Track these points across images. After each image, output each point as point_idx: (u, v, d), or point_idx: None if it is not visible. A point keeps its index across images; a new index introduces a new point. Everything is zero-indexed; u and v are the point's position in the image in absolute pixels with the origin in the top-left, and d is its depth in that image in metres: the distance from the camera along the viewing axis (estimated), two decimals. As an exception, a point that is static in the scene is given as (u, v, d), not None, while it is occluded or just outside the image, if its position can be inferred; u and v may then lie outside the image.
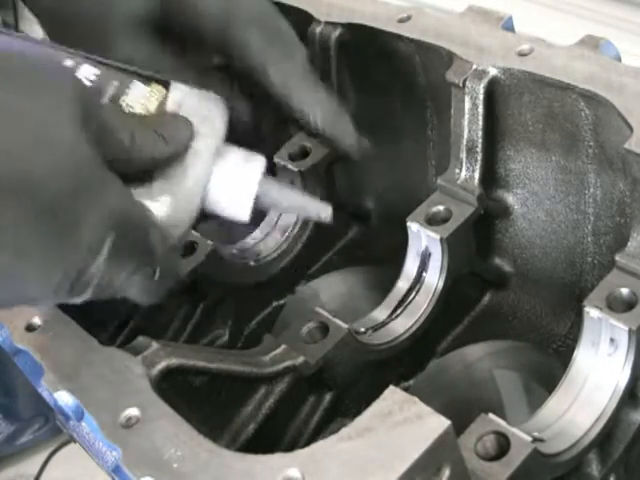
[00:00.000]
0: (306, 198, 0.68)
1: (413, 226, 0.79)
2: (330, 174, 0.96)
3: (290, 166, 0.89)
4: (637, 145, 0.66)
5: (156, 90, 0.64)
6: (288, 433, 0.73)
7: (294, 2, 0.92)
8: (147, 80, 0.64)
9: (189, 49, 0.76)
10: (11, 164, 0.49)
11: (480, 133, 0.79)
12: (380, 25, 0.85)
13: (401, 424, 0.49)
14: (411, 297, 0.80)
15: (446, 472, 0.50)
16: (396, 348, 0.78)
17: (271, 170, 0.82)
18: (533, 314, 0.88)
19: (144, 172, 0.60)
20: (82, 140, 0.53)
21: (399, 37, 0.83)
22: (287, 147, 0.91)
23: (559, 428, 0.65)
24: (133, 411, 0.57)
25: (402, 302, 0.80)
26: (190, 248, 0.85)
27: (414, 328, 0.78)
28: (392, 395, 0.51)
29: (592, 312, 0.65)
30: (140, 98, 0.63)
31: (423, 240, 0.78)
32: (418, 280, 0.80)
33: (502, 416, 0.60)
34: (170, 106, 0.63)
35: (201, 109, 0.63)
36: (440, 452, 0.49)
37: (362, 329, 0.77)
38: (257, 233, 0.96)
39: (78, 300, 0.56)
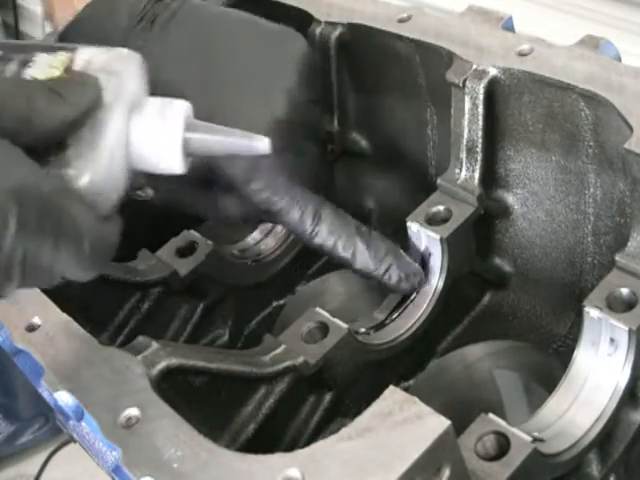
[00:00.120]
0: (238, 132, 0.62)
1: (413, 226, 0.79)
2: (330, 174, 0.96)
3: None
4: (637, 145, 0.66)
5: (62, 57, 0.60)
6: (288, 433, 0.73)
7: (294, 2, 0.92)
8: (53, 50, 0.60)
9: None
10: None
11: (480, 133, 0.79)
12: (380, 25, 0.85)
13: (401, 424, 0.49)
14: (411, 297, 0.80)
15: (446, 472, 0.50)
16: (396, 348, 0.78)
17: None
18: (533, 314, 0.88)
19: (57, 141, 0.56)
20: None
21: (399, 37, 0.83)
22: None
23: (559, 428, 0.65)
24: (133, 411, 0.57)
25: (402, 302, 0.80)
26: (190, 248, 0.85)
27: (414, 328, 0.78)
28: (392, 395, 0.51)
29: (592, 312, 0.65)
30: (44, 67, 0.59)
31: (423, 240, 0.78)
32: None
33: (502, 416, 0.60)
34: (77, 68, 0.59)
35: (110, 65, 0.59)
36: (440, 452, 0.49)
37: (362, 329, 0.77)
38: (257, 233, 0.96)
39: (13, 287, 0.54)
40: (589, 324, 0.66)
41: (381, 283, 0.76)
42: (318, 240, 0.74)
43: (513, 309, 0.89)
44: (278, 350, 0.70)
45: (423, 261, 0.79)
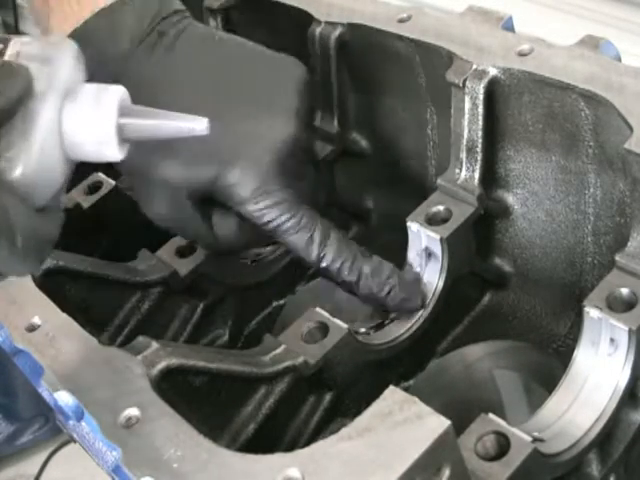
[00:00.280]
0: (176, 115, 0.61)
1: (413, 226, 0.79)
2: (330, 174, 0.96)
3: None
4: (637, 145, 0.66)
5: None
6: (288, 433, 0.73)
7: (294, 2, 0.92)
8: None
9: None
10: None
11: (480, 133, 0.79)
12: (380, 25, 0.85)
13: (401, 424, 0.49)
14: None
15: (446, 472, 0.50)
16: (396, 348, 0.78)
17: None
18: (533, 314, 0.88)
19: None
20: None
21: (399, 37, 0.83)
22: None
23: (559, 428, 0.65)
24: (133, 411, 0.57)
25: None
26: (190, 248, 0.85)
27: (414, 328, 0.78)
28: (392, 395, 0.52)
29: (592, 312, 0.65)
30: None
31: (423, 240, 0.78)
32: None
33: (502, 416, 0.60)
34: (8, 58, 0.57)
35: (43, 53, 0.58)
36: (440, 452, 0.49)
37: (362, 329, 0.77)
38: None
39: None
40: (589, 324, 0.66)
41: (383, 305, 0.77)
42: (324, 263, 0.75)
43: (513, 309, 0.89)
44: (278, 350, 0.70)
45: (423, 261, 0.80)
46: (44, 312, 0.67)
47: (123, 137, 0.58)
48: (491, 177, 0.83)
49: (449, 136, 0.82)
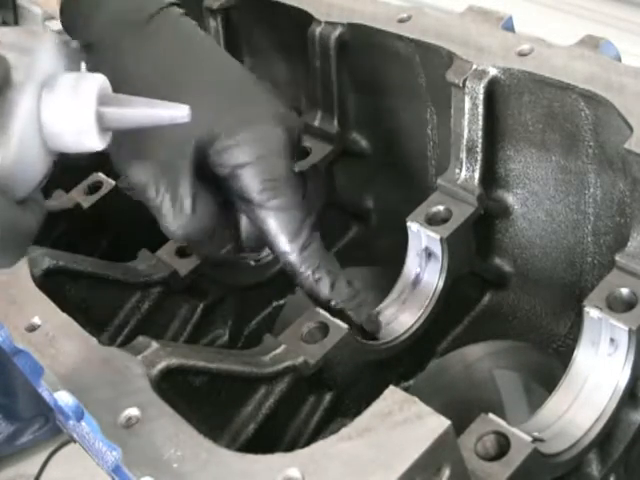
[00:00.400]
0: (157, 102, 0.60)
1: (413, 226, 0.79)
2: (330, 174, 0.96)
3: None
4: (637, 145, 0.66)
5: None
6: (288, 433, 0.73)
7: (294, 2, 0.92)
8: None
9: None
10: None
11: (480, 133, 0.79)
12: (380, 25, 0.85)
13: (401, 424, 0.49)
14: (411, 297, 0.80)
15: (446, 472, 0.50)
16: (396, 348, 0.78)
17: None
18: (533, 314, 0.88)
19: None
20: None
21: (399, 37, 0.83)
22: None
23: (559, 428, 0.65)
24: (133, 411, 0.57)
25: (402, 302, 0.80)
26: (190, 248, 0.85)
27: (414, 328, 0.78)
28: (392, 395, 0.51)
29: (592, 312, 0.65)
30: None
31: (423, 240, 0.78)
32: (418, 280, 0.80)
33: (502, 416, 0.60)
34: None
35: (22, 43, 0.57)
36: (440, 452, 0.49)
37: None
38: (257, 233, 0.96)
39: None
40: (589, 324, 0.66)
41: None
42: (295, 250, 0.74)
43: (513, 309, 0.89)
44: (278, 350, 0.70)
45: (423, 261, 0.80)
46: (44, 312, 0.67)
47: (103, 126, 0.58)
48: (491, 177, 0.83)
49: (449, 136, 0.82)
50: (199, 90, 0.74)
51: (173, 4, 0.79)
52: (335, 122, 0.94)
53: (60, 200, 0.98)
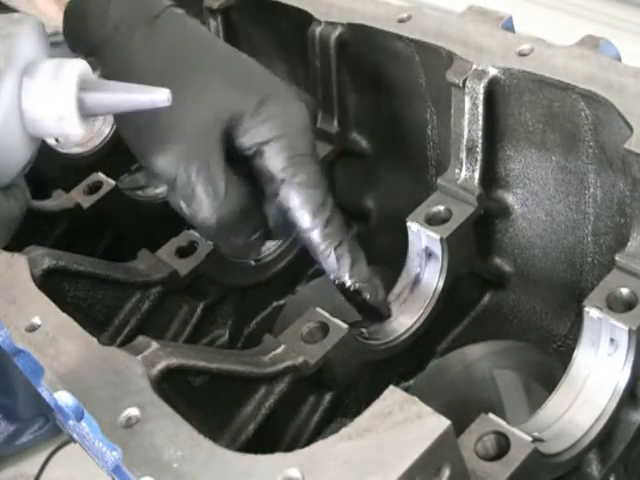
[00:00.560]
0: (136, 87, 0.60)
1: (413, 226, 0.79)
2: (330, 174, 0.96)
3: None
4: (637, 145, 0.66)
5: None
6: (288, 433, 0.73)
7: (294, 2, 0.92)
8: None
9: None
10: None
11: (480, 133, 0.79)
12: (380, 25, 0.85)
13: (401, 424, 0.49)
14: (411, 297, 0.80)
15: (446, 472, 0.50)
16: (396, 348, 0.78)
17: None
18: (533, 314, 0.88)
19: None
20: None
21: (399, 37, 0.83)
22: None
23: (559, 428, 0.65)
24: (133, 411, 0.57)
25: (402, 302, 0.80)
26: (190, 248, 0.85)
27: (414, 328, 0.78)
28: (392, 395, 0.51)
29: (592, 312, 0.65)
30: None
31: (423, 240, 0.78)
32: (418, 280, 0.80)
33: (502, 416, 0.60)
34: None
35: (2, 29, 0.57)
36: (440, 452, 0.49)
37: (362, 329, 0.77)
38: (257, 233, 0.96)
39: None
40: (589, 324, 0.66)
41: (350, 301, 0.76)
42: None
43: (513, 309, 0.89)
44: (278, 350, 0.70)
45: (423, 261, 0.80)
46: (44, 312, 0.67)
47: (84, 112, 0.57)
48: (491, 177, 0.83)
49: (449, 136, 0.82)
50: (215, 75, 0.74)
51: (174, 5, 0.79)
52: (335, 122, 0.94)
53: (60, 200, 0.98)
